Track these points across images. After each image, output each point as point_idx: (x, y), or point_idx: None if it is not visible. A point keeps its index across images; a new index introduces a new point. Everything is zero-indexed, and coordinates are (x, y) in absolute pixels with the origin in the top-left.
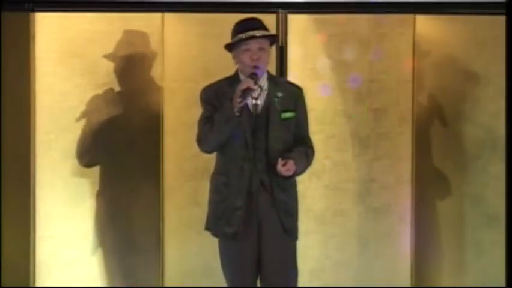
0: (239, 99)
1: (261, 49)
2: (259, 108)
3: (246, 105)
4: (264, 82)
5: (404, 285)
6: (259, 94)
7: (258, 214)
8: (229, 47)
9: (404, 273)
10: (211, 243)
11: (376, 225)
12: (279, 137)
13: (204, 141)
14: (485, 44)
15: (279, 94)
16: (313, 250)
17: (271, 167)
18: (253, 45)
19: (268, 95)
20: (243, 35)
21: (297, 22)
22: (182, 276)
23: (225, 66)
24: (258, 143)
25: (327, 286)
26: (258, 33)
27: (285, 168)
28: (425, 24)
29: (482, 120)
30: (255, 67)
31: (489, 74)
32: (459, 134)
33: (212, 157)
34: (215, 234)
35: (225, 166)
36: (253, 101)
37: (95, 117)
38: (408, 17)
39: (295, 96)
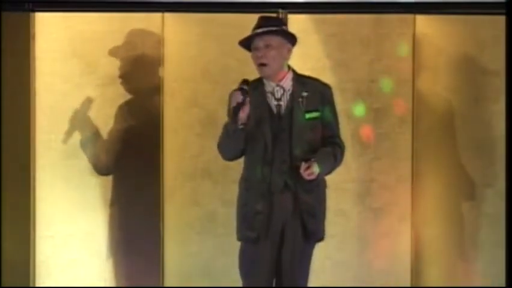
0: (234, 118)
1: (267, 46)
2: (283, 109)
3: (269, 106)
4: (287, 83)
5: (404, 285)
6: (282, 95)
7: (282, 216)
8: (247, 49)
9: (404, 273)
10: (211, 243)
11: (376, 225)
12: (303, 138)
13: (219, 149)
14: (484, 44)
15: (304, 94)
16: (314, 250)
17: (295, 169)
18: (258, 42)
19: (292, 95)
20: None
21: (297, 22)
22: (182, 276)
23: (225, 66)
24: (282, 145)
25: (327, 286)
26: (261, 30)
27: (307, 172)
28: (425, 24)
29: (481, 119)
30: (261, 64)
31: (489, 74)
32: (459, 134)
33: (212, 158)
34: (238, 238)
35: (247, 170)
36: (276, 102)
37: (95, 117)
38: (408, 17)
39: (322, 95)
